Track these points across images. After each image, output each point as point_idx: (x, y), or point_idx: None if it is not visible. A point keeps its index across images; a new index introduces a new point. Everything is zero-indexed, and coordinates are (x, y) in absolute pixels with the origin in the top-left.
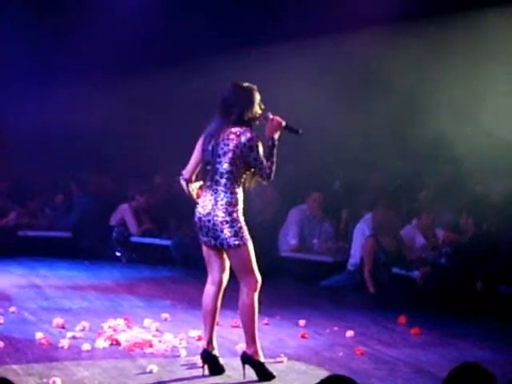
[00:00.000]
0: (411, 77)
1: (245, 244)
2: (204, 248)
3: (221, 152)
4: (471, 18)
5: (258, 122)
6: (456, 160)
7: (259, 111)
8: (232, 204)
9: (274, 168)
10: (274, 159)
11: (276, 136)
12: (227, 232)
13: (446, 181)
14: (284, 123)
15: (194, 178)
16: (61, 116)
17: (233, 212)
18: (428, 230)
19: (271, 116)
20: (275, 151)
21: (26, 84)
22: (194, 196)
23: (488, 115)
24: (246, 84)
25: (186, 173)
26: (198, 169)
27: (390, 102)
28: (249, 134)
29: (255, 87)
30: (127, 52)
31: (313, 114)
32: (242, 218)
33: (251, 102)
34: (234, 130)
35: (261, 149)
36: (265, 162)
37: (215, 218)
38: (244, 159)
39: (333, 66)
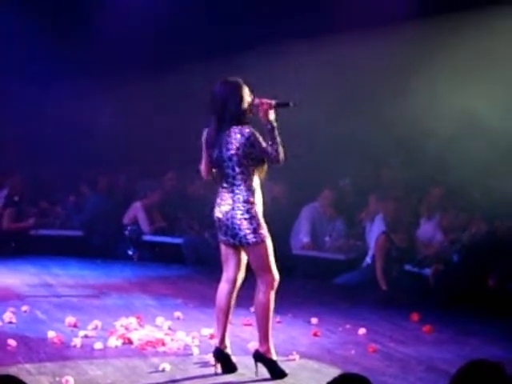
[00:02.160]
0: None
1: (263, 241)
2: (222, 246)
3: (225, 157)
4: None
5: (251, 114)
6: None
7: (249, 101)
8: (249, 201)
9: (280, 149)
10: (278, 140)
11: (271, 117)
12: (246, 229)
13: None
14: (273, 102)
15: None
16: (70, 114)
17: (251, 209)
18: (450, 226)
19: (258, 100)
20: (276, 132)
21: (34, 81)
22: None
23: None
24: (232, 78)
25: (204, 175)
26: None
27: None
28: (245, 133)
29: (241, 80)
30: (139, 49)
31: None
32: (260, 215)
33: (242, 95)
34: (231, 132)
35: (261, 138)
36: (269, 148)
37: (233, 216)
38: (250, 156)
39: (342, 64)
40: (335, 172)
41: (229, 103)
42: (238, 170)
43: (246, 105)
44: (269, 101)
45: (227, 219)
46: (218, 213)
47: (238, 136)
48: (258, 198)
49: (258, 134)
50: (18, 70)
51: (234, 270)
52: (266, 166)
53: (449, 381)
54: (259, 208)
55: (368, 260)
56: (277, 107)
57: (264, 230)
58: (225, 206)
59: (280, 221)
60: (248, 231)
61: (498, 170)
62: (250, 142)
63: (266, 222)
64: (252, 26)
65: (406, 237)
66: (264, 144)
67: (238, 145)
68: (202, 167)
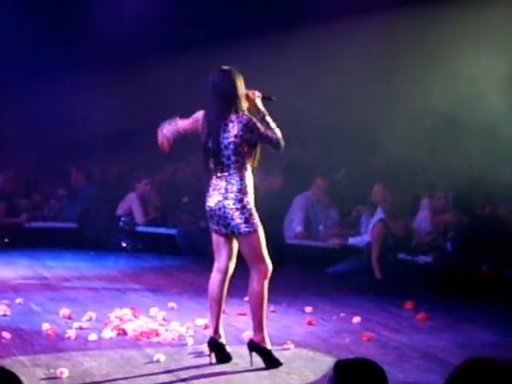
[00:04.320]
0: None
1: (255, 231)
2: (213, 236)
3: (222, 146)
4: None
5: (247, 103)
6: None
7: (245, 89)
8: (242, 191)
9: (278, 133)
10: (273, 125)
11: (260, 106)
12: (238, 219)
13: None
14: (259, 94)
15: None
16: (66, 106)
17: (243, 199)
18: (438, 212)
19: (247, 91)
20: (269, 119)
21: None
22: (163, 144)
23: None
24: (230, 68)
25: (178, 124)
26: (185, 131)
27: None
28: (243, 119)
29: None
30: (137, 41)
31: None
32: (252, 205)
33: (240, 83)
34: (229, 119)
35: (259, 124)
36: (269, 132)
37: (226, 206)
38: (248, 142)
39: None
40: (329, 161)
41: (227, 91)
42: (233, 158)
43: (243, 93)
44: (254, 91)
45: (219, 208)
46: (210, 202)
47: (236, 123)
48: (251, 188)
49: (256, 120)
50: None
51: (225, 260)
52: (258, 155)
53: (447, 379)
54: (251, 198)
55: (363, 247)
56: (262, 99)
57: (256, 220)
58: (217, 195)
59: (274, 210)
60: (240, 221)
61: None
62: (247, 128)
63: (259, 212)
64: (242, 15)
65: (403, 225)
66: (263, 129)
67: (235, 132)
68: (180, 123)
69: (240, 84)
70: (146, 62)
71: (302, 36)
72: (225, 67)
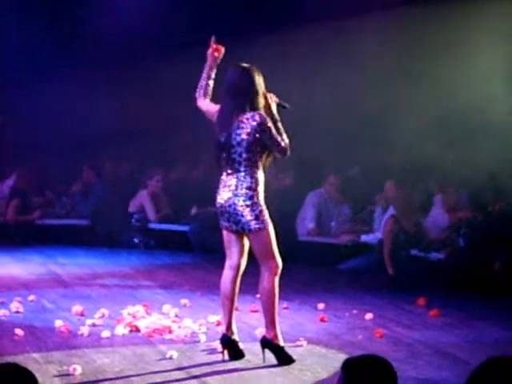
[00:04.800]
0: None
1: (266, 228)
2: (224, 233)
3: (234, 142)
4: None
5: (264, 102)
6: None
7: (264, 88)
8: (252, 188)
9: (286, 141)
10: (282, 130)
11: (274, 111)
12: (248, 216)
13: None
14: (276, 99)
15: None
16: (77, 103)
17: (253, 196)
18: (451, 208)
19: (267, 93)
20: (279, 125)
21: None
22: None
23: None
24: (250, 66)
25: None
26: (208, 106)
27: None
28: (258, 118)
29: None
30: (140, 40)
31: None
32: (262, 202)
33: (259, 81)
34: (243, 117)
35: (273, 128)
36: (279, 137)
37: (236, 203)
38: (259, 142)
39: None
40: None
41: (245, 88)
42: (245, 155)
43: (261, 91)
44: (274, 97)
45: (229, 205)
46: (221, 199)
47: (251, 121)
48: (261, 186)
49: (270, 122)
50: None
51: (237, 257)
52: (271, 158)
53: (467, 378)
54: (262, 195)
55: (375, 243)
56: (277, 105)
57: (266, 217)
58: (228, 192)
59: (285, 207)
60: (250, 218)
61: None
62: (261, 128)
63: (269, 209)
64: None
65: (415, 222)
66: (274, 132)
67: (249, 130)
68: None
69: (259, 82)
70: (147, 61)
71: (307, 34)
72: (245, 64)
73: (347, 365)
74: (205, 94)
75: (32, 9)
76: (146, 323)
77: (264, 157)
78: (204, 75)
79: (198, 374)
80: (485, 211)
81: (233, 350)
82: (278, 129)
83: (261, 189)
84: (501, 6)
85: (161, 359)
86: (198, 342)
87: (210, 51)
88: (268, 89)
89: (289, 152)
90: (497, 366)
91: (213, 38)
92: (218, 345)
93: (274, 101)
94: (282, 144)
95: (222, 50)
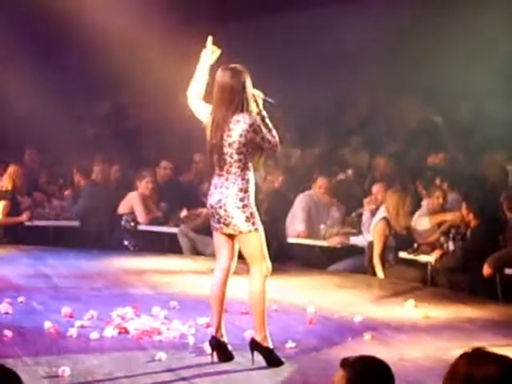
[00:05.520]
0: None
1: (256, 230)
2: (215, 234)
3: (226, 144)
4: None
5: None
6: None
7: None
8: (243, 190)
9: (276, 136)
10: (271, 126)
11: (260, 107)
12: (238, 218)
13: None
14: (262, 95)
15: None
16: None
17: (244, 198)
18: (436, 212)
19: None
20: (267, 121)
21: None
22: None
23: None
24: (238, 66)
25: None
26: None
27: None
28: (249, 119)
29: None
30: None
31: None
32: (253, 204)
33: (248, 83)
34: (234, 119)
35: (263, 126)
36: (269, 135)
37: (227, 205)
38: (251, 144)
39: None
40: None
41: (236, 90)
42: (236, 157)
43: (251, 92)
44: (261, 93)
45: (220, 207)
46: (212, 200)
47: (242, 122)
48: (252, 188)
49: (260, 122)
50: None
51: (227, 258)
52: (262, 159)
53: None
54: (252, 197)
55: (364, 247)
56: (263, 101)
57: (257, 219)
58: (219, 193)
59: (275, 209)
60: (241, 219)
61: None
62: (252, 129)
63: (260, 211)
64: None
65: (405, 225)
66: (265, 130)
67: (240, 131)
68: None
69: (248, 83)
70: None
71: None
72: (233, 65)
73: (347, 363)
74: (197, 94)
75: None
76: (135, 325)
77: (255, 158)
78: (197, 75)
79: (186, 375)
80: (487, 217)
81: (222, 352)
82: (266, 125)
83: (252, 190)
84: None
85: (150, 361)
86: (187, 344)
87: (204, 51)
88: (253, 85)
89: (279, 147)
90: (470, 357)
91: (209, 39)
92: (207, 347)
93: (258, 96)
94: (273, 141)
95: (218, 51)
